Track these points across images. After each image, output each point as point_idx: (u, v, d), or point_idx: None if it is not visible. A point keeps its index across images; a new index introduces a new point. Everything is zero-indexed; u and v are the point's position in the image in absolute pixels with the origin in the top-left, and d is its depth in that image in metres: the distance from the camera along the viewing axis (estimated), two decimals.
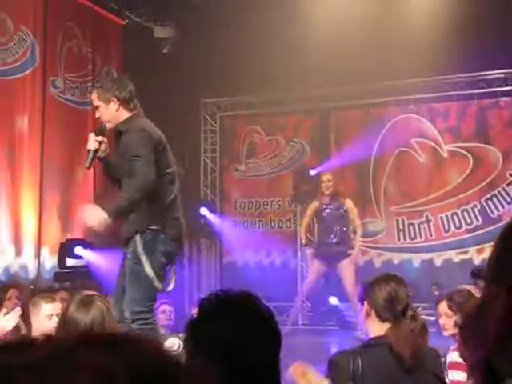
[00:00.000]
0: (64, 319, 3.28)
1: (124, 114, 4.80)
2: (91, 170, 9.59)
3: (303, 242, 9.52)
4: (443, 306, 4.11)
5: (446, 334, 4.10)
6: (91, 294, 3.49)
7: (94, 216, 4.53)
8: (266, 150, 11.88)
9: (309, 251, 9.39)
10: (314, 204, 9.36)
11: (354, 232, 9.17)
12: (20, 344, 0.68)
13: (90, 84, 10.39)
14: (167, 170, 4.83)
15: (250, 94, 11.28)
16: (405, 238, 10.89)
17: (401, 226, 10.91)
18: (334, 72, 9.82)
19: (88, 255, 9.35)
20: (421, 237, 10.78)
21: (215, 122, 12.34)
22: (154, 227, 4.75)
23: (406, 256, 10.78)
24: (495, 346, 0.94)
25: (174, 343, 4.97)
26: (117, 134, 4.84)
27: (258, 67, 9.92)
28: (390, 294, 3.18)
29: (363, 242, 10.84)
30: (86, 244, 9.49)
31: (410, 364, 3.06)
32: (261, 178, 11.89)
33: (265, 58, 9.96)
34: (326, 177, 9.20)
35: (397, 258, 10.84)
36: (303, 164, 11.50)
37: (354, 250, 8.94)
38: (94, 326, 3.15)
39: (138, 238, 4.70)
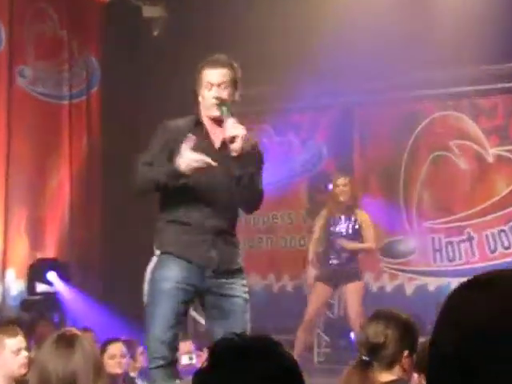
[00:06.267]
0: (38, 365, 3.12)
1: None
2: (67, 178, 9.96)
3: None
4: None
5: None
6: (72, 331, 3.34)
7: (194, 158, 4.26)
8: (276, 153, 10.95)
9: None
10: None
11: None
12: None
13: (66, 74, 10.17)
14: None
15: (256, 86, 9.95)
16: (442, 260, 10.29)
17: (437, 246, 10.32)
18: (359, 61, 9.22)
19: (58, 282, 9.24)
20: (461, 258, 10.15)
21: None
22: None
23: (443, 281, 10.13)
24: None
25: None
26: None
27: (266, 54, 9.35)
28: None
29: (391, 263, 10.62)
30: (59, 265, 9.28)
31: None
32: (269, 186, 10.93)
33: (274, 44, 9.33)
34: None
35: (432, 284, 10.24)
36: (320, 170, 10.93)
37: None
38: (76, 374, 2.95)
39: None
